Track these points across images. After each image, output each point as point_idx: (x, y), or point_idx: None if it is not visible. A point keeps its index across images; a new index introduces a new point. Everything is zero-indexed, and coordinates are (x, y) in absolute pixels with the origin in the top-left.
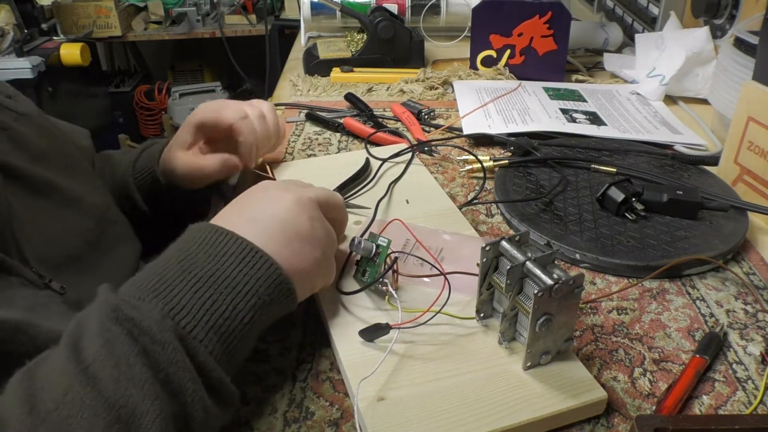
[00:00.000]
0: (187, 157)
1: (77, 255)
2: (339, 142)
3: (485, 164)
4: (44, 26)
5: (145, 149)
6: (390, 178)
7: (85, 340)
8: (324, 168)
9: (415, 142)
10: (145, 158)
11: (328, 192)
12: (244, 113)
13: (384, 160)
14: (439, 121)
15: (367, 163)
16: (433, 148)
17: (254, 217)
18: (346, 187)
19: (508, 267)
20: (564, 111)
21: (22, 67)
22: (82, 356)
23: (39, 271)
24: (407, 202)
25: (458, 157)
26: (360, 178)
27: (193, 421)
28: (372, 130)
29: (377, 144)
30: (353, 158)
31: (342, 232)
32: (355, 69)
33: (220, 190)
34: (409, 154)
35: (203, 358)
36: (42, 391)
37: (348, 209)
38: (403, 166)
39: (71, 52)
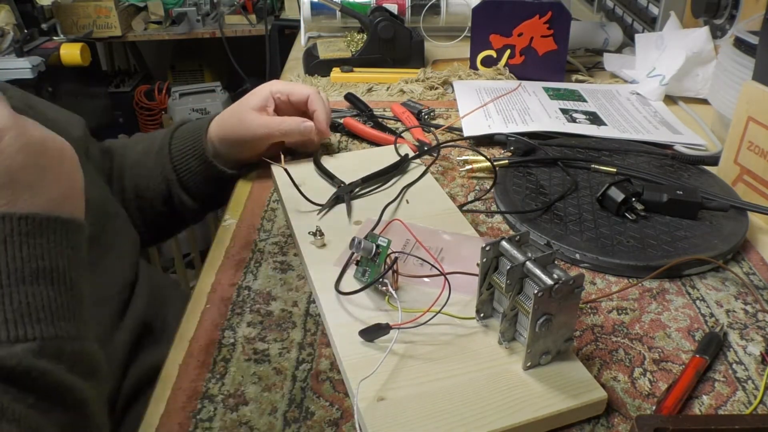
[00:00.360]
0: (263, 117)
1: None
2: (339, 142)
3: (484, 164)
4: (44, 26)
5: (178, 127)
6: (398, 182)
7: None
8: (359, 161)
9: (429, 146)
10: (183, 142)
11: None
12: (316, 90)
13: (411, 158)
14: (439, 121)
15: (405, 157)
16: (440, 147)
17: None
18: (374, 179)
19: (508, 267)
20: (564, 111)
21: (22, 67)
22: None
23: None
24: (407, 202)
25: (458, 157)
26: (393, 171)
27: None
28: (373, 128)
29: (377, 144)
30: (388, 152)
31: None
32: (355, 69)
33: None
34: (419, 159)
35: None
36: None
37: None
38: (408, 169)
39: (71, 52)
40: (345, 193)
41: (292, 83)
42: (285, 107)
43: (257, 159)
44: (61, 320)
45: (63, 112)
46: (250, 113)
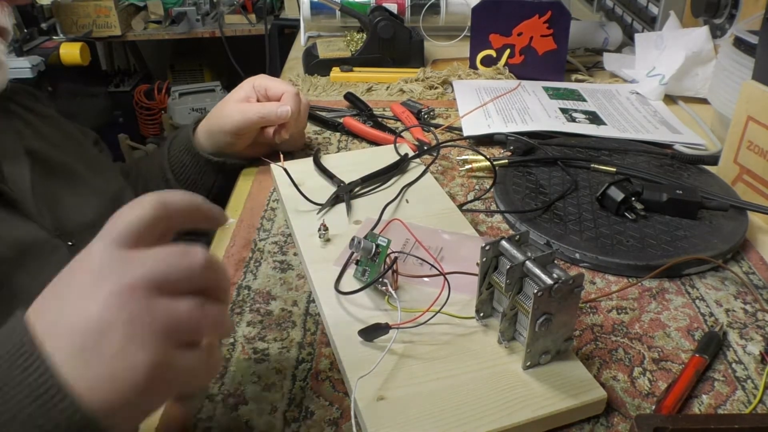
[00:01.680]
0: (242, 104)
1: (92, 224)
2: (339, 141)
3: (484, 164)
4: (44, 26)
5: (174, 138)
6: (394, 180)
7: None
8: (358, 161)
9: (428, 145)
10: (179, 141)
11: (176, 257)
12: (293, 88)
13: (411, 158)
14: (439, 121)
15: (405, 156)
16: (440, 147)
17: (62, 331)
18: (373, 179)
19: (508, 267)
20: (564, 110)
21: (22, 66)
22: None
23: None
24: (407, 202)
25: (458, 157)
26: (392, 171)
27: None
28: (370, 129)
29: (376, 143)
30: (388, 152)
31: (224, 294)
32: (354, 68)
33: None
34: (418, 158)
35: None
36: None
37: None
38: (408, 168)
39: (71, 52)
40: (344, 193)
41: (275, 79)
42: (264, 101)
43: (250, 153)
44: None
45: (79, 126)
46: (231, 104)
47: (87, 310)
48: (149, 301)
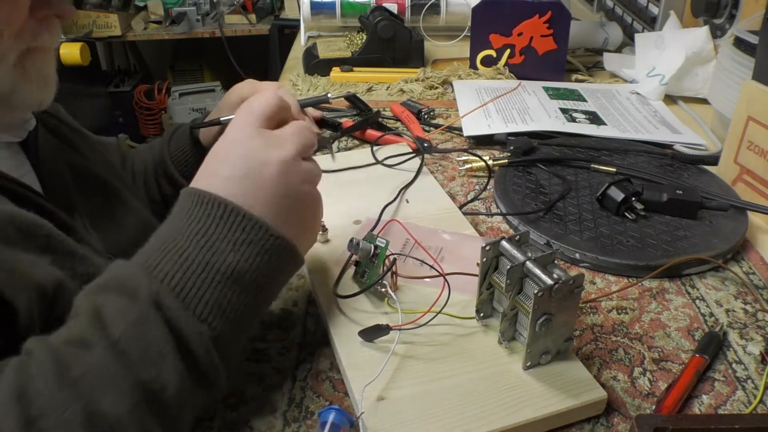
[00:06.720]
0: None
1: (134, 243)
2: (339, 141)
3: (484, 164)
4: None
5: (175, 131)
6: (394, 181)
7: (112, 312)
8: (360, 161)
9: (421, 145)
10: (178, 138)
11: (305, 132)
12: (279, 85)
13: (411, 158)
14: (439, 121)
15: (378, 113)
16: (434, 147)
17: (268, 198)
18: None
19: (508, 267)
20: (564, 110)
21: None
22: (108, 330)
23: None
24: (407, 202)
25: (458, 157)
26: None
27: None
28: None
29: (378, 144)
30: (388, 152)
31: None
32: (354, 68)
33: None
34: (417, 158)
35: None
36: (70, 356)
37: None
38: (408, 168)
39: (71, 52)
40: (328, 143)
41: (257, 83)
42: None
43: None
44: (240, 331)
45: (101, 138)
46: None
47: (270, 181)
48: (299, 165)
